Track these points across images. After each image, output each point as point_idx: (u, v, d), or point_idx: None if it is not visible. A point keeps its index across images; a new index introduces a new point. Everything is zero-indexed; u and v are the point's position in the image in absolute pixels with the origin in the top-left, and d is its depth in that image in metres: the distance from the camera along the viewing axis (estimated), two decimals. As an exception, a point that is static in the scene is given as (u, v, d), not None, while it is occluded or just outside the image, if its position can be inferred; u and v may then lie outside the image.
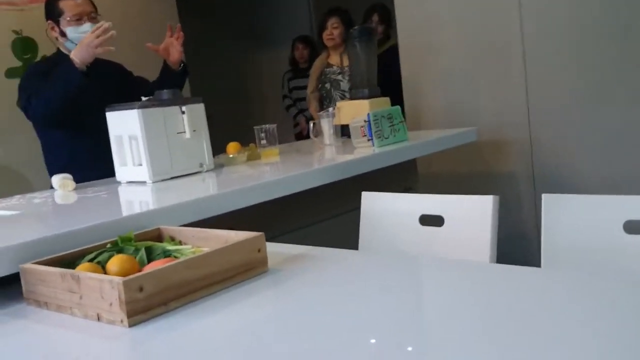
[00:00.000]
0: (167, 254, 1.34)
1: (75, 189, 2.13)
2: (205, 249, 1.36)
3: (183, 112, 2.15)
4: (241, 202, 1.79)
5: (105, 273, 1.22)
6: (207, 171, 2.23)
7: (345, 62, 3.85)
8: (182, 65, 2.68)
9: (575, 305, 1.00)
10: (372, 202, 1.95)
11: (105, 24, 2.26)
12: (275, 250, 1.48)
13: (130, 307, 1.06)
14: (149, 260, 1.32)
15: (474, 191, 3.17)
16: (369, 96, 2.93)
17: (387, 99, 3.00)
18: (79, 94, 2.30)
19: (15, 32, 3.74)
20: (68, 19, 2.45)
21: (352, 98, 3.00)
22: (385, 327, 0.99)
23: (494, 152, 3.17)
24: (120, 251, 1.33)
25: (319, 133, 2.79)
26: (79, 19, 2.46)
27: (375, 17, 4.01)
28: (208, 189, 2.00)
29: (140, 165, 2.08)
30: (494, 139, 3.11)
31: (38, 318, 1.19)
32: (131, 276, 1.08)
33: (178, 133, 2.15)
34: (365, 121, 2.44)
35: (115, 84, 2.59)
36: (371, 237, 1.94)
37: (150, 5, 4.58)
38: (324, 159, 2.49)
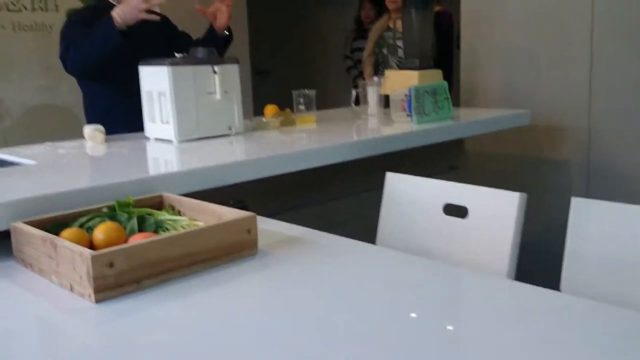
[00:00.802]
0: (159, 225, 1.31)
1: (105, 141, 2.13)
2: (200, 224, 1.32)
3: (215, 72, 2.10)
4: (257, 173, 1.74)
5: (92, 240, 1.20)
6: (235, 134, 2.18)
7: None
8: (227, 32, 2.63)
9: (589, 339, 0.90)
10: (396, 185, 1.87)
11: None
12: (273, 229, 1.43)
13: (99, 283, 1.03)
14: (140, 229, 1.29)
15: (522, 176, 3.06)
16: (420, 67, 2.79)
17: (439, 72, 2.85)
18: (116, 52, 2.28)
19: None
20: None
21: (401, 67, 2.87)
22: (365, 330, 0.92)
23: (548, 138, 2.98)
24: (113, 217, 1.31)
25: (362, 101, 2.69)
26: None
27: None
28: (229, 154, 1.95)
29: (168, 123, 2.05)
30: (550, 123, 2.92)
31: (20, 279, 1.18)
32: (102, 250, 1.05)
33: (208, 93, 2.10)
34: (405, 95, 2.33)
35: (157, 37, 2.55)
36: (391, 221, 1.86)
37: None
38: (359, 131, 2.39)
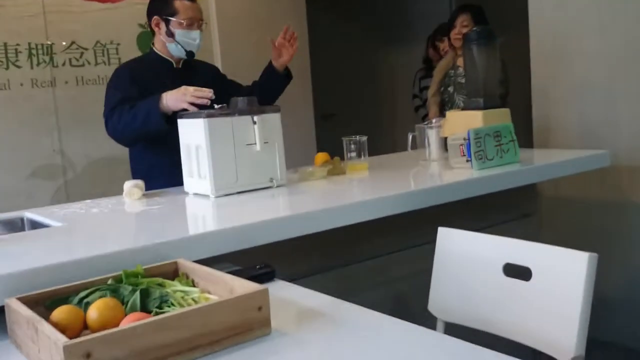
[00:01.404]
0: (163, 300, 1.16)
1: (143, 196, 2.05)
2: (212, 297, 1.17)
3: (254, 123, 1.98)
4: (286, 233, 1.58)
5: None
6: (277, 187, 2.04)
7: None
8: (286, 70, 2.58)
9: None
10: (449, 241, 1.66)
11: (209, 94, 2.09)
12: (297, 298, 1.26)
13: (73, 376, 0.89)
14: (144, 304, 1.15)
15: (603, 223, 2.75)
16: (485, 107, 2.58)
17: (506, 112, 2.62)
18: (157, 134, 2.22)
19: (141, 25, 3.80)
20: (181, 21, 2.34)
21: (464, 108, 2.67)
22: None
23: (631, 179, 2.67)
24: (116, 291, 1.18)
25: (419, 145, 2.50)
26: (191, 24, 2.36)
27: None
28: (264, 211, 1.79)
29: (205, 177, 1.94)
30: (632, 163, 2.62)
31: (9, 363, 1.07)
32: (77, 339, 0.91)
33: (247, 145, 1.98)
34: (464, 139, 2.12)
35: (209, 86, 2.47)
36: (444, 283, 1.65)
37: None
38: (409, 180, 2.20)
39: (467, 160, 2.12)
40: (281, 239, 1.58)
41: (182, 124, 2.02)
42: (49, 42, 3.54)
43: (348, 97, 5.48)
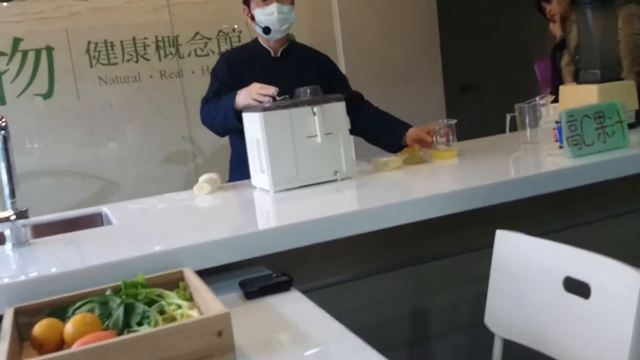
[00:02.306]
0: (145, 316, 1.14)
1: (218, 189, 2.06)
2: (194, 314, 1.13)
3: (314, 114, 1.88)
4: (303, 240, 1.48)
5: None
6: (343, 179, 1.93)
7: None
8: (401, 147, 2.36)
9: None
10: (507, 246, 1.46)
11: (272, 90, 1.98)
12: (295, 316, 1.17)
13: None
14: (126, 321, 1.13)
15: None
16: (602, 80, 2.23)
17: (630, 85, 2.25)
18: (235, 129, 2.22)
19: None
20: (255, 1, 2.31)
21: (579, 82, 2.33)
22: None
23: None
24: (105, 303, 1.18)
25: (519, 126, 2.22)
26: (264, 1, 2.30)
27: None
28: (323, 207, 1.70)
29: (264, 172, 1.90)
30: None
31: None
32: (9, 365, 0.91)
33: (308, 137, 1.89)
34: (556, 122, 1.84)
35: (307, 77, 2.39)
36: (501, 293, 1.46)
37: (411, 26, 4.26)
38: (503, 169, 1.96)
39: (560, 147, 1.84)
40: (316, 242, 1.49)
41: (246, 118, 1.99)
42: (174, 34, 3.71)
43: (491, 66, 5.07)
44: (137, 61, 3.64)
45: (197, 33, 3.75)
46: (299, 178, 1.89)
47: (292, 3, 2.36)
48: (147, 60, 3.65)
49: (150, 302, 1.18)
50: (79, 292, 1.22)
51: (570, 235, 1.50)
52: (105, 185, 3.64)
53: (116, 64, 3.60)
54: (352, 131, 2.08)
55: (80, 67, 3.54)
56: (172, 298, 1.21)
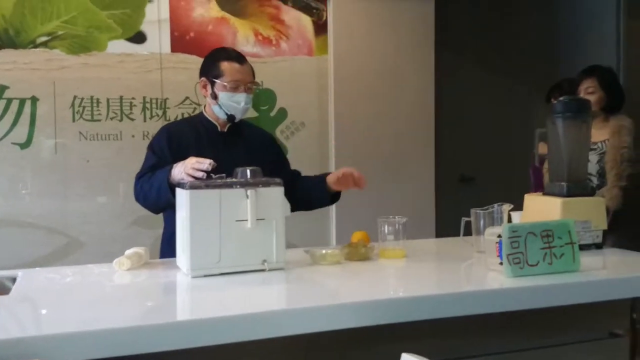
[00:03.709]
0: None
1: (136, 267, 1.93)
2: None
3: (247, 197, 1.78)
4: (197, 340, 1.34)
5: None
6: (271, 270, 1.81)
7: (598, 137, 2.96)
8: (336, 195, 2.39)
9: None
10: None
11: (207, 164, 1.89)
12: None
13: None
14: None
15: None
16: (568, 194, 2.11)
17: (599, 202, 2.13)
18: (169, 206, 2.11)
19: (256, 83, 3.81)
20: (225, 83, 2.26)
21: (544, 192, 2.21)
22: None
23: None
24: None
25: (474, 231, 2.10)
26: (235, 87, 2.26)
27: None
28: (232, 302, 1.57)
29: (186, 253, 1.78)
30: None
31: None
32: None
33: (237, 221, 1.78)
34: (498, 236, 1.71)
35: (254, 155, 2.32)
36: None
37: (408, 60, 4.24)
38: (437, 280, 1.82)
39: (500, 263, 1.70)
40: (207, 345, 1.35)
41: (179, 194, 1.89)
42: (163, 97, 3.69)
43: (490, 157, 4.95)
44: (121, 120, 3.60)
45: (187, 97, 3.73)
46: (220, 265, 1.77)
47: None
48: (132, 120, 3.62)
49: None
50: None
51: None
52: (69, 242, 3.54)
53: (99, 120, 3.57)
54: (292, 208, 1.99)
55: (63, 120, 3.51)
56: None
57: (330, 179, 2.32)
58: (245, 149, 2.33)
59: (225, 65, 2.28)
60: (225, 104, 2.26)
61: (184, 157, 2.10)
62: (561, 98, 2.19)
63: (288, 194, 1.89)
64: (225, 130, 2.36)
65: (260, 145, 2.41)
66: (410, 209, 4.13)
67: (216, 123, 2.35)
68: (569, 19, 4.95)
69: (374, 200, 3.98)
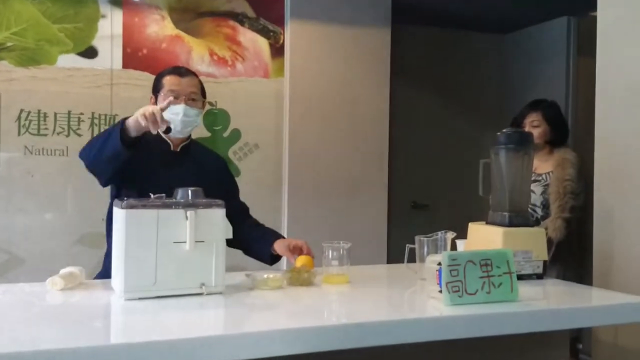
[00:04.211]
0: None
1: (70, 287, 1.86)
2: None
3: (186, 218, 1.74)
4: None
5: None
6: (209, 294, 1.76)
7: (543, 169, 3.02)
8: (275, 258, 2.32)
9: None
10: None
11: (166, 103, 1.99)
12: None
13: None
14: None
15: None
16: (510, 224, 2.13)
17: (539, 232, 2.15)
18: (117, 162, 2.06)
19: (210, 103, 3.79)
20: (163, 94, 2.24)
21: (487, 221, 2.23)
22: None
23: None
24: None
25: (418, 258, 2.10)
26: (175, 98, 2.21)
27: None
28: (164, 327, 1.53)
29: (119, 275, 1.73)
30: None
31: None
32: None
33: (175, 243, 1.74)
34: (438, 264, 1.71)
35: (203, 177, 2.28)
36: None
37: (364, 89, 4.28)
38: (382, 305, 1.81)
39: (440, 291, 1.70)
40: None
41: (115, 213, 1.84)
42: (112, 113, 3.62)
43: (443, 185, 5.00)
44: (67, 135, 3.52)
45: (137, 115, 3.67)
46: (156, 287, 1.71)
47: (203, 106, 2.32)
48: (79, 135, 3.54)
49: None
50: None
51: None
52: (9, 258, 3.42)
53: (46, 135, 3.49)
54: (228, 243, 1.94)
55: (8, 134, 3.41)
56: None
57: (278, 245, 2.25)
58: (196, 171, 2.27)
59: (166, 79, 2.28)
60: (165, 116, 2.21)
61: (135, 174, 2.10)
62: (504, 130, 2.22)
63: (233, 227, 1.86)
64: (178, 149, 2.31)
65: (212, 170, 2.36)
66: (363, 234, 4.15)
67: (169, 141, 2.30)
68: (520, 54, 5.08)
69: (326, 225, 3.97)
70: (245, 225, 2.33)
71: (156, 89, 2.30)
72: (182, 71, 2.30)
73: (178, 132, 2.24)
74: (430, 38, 4.97)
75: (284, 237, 2.32)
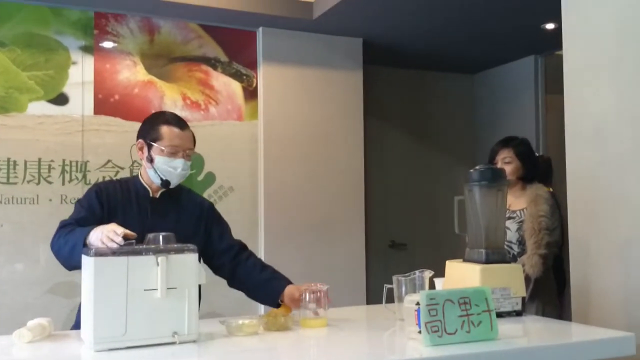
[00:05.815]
0: None
1: (38, 339, 1.79)
2: None
3: (157, 264, 1.70)
4: None
5: None
6: (182, 343, 1.71)
7: (517, 205, 3.03)
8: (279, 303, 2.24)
9: None
10: None
11: (120, 239, 1.77)
12: None
13: None
14: None
15: None
16: (487, 261, 2.12)
17: (516, 268, 2.14)
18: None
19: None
20: (163, 147, 2.16)
21: (464, 259, 2.22)
22: None
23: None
24: None
25: (397, 299, 2.07)
26: (174, 152, 2.16)
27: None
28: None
29: (89, 325, 1.67)
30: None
31: None
32: None
33: (146, 290, 1.69)
34: (417, 303, 1.69)
35: (184, 222, 2.24)
36: None
37: (341, 121, 4.30)
38: (361, 350, 1.77)
39: (419, 332, 1.66)
40: None
41: (84, 261, 1.79)
42: (84, 160, 3.57)
43: (420, 224, 5.01)
44: (38, 183, 3.46)
45: (109, 161, 3.63)
46: (127, 337, 1.66)
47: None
48: (50, 183, 3.48)
49: None
50: None
51: None
52: (-22, 311, 3.31)
53: (15, 183, 3.42)
54: (231, 284, 1.88)
55: (-24, 183, 3.35)
56: None
57: (287, 294, 2.16)
58: (176, 217, 2.21)
59: (164, 129, 2.18)
60: (161, 168, 2.17)
61: (112, 217, 2.03)
62: (477, 167, 2.22)
63: (230, 265, 1.80)
64: (157, 196, 2.26)
65: (195, 212, 2.30)
66: (341, 274, 4.11)
67: (149, 188, 2.23)
68: (490, 93, 5.18)
69: (304, 266, 3.93)
70: (248, 264, 2.26)
71: (150, 136, 2.20)
72: (182, 124, 2.21)
73: (174, 184, 2.21)
74: (403, 79, 5.05)
75: (290, 283, 2.21)
